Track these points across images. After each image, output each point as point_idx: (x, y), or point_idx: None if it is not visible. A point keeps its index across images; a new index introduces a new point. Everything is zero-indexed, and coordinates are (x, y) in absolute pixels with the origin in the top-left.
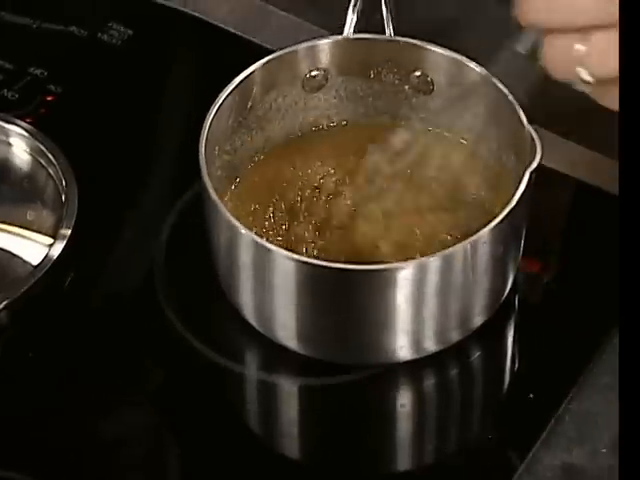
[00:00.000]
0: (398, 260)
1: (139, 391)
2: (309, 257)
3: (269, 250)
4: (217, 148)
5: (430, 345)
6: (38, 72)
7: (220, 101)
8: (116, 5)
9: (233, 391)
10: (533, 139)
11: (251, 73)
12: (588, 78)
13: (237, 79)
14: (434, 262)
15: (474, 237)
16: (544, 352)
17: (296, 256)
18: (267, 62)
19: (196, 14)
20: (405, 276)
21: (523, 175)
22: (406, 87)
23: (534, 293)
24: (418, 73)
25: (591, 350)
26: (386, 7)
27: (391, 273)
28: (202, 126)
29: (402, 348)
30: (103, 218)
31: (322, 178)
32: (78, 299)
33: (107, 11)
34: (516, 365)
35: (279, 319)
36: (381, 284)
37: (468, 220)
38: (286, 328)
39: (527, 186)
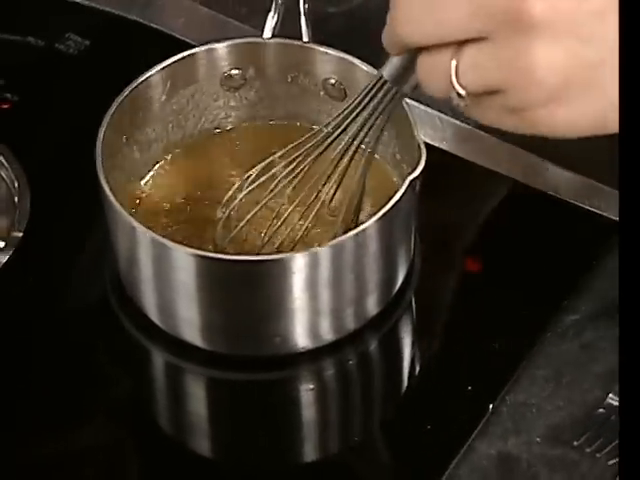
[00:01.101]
0: None
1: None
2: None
3: (167, 246)
4: (125, 138)
5: (327, 334)
6: None
7: (126, 93)
8: (73, 16)
9: (144, 390)
10: (419, 147)
11: (163, 67)
12: (462, 92)
13: (147, 73)
14: (325, 252)
15: (361, 227)
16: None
17: (193, 250)
18: (184, 57)
19: (153, 25)
20: (299, 266)
21: (405, 178)
22: (321, 93)
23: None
24: (332, 80)
25: (528, 342)
26: (304, 14)
27: (285, 263)
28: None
29: (300, 337)
30: (55, 221)
31: (232, 177)
32: (29, 302)
33: (65, 22)
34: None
35: (181, 315)
36: (276, 274)
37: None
38: (189, 324)
39: (406, 191)
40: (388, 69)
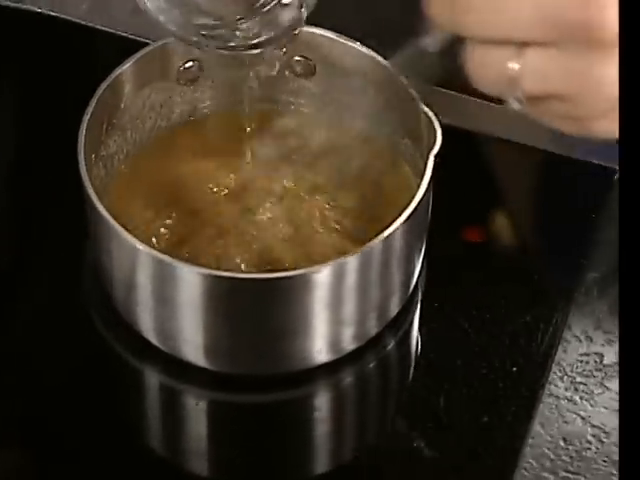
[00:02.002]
0: (297, 258)
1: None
2: (214, 268)
3: (172, 265)
4: (93, 156)
5: (349, 344)
6: None
7: (93, 105)
8: None
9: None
10: (432, 122)
11: (122, 72)
12: (520, 96)
13: (108, 79)
14: (352, 262)
15: (389, 230)
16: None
17: (205, 270)
18: (139, 58)
19: (53, 13)
20: (322, 280)
21: (427, 159)
22: (286, 72)
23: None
24: (298, 57)
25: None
26: None
27: (308, 278)
28: (78, 133)
29: (320, 352)
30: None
31: (207, 172)
32: (9, 328)
33: None
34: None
35: (185, 336)
36: (298, 290)
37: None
38: (194, 344)
39: (432, 170)
40: (432, 43)
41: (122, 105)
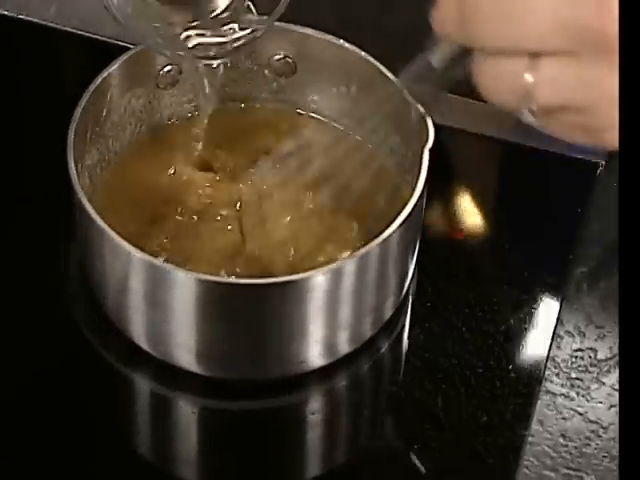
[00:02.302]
0: (290, 263)
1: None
2: (210, 274)
3: (167, 270)
4: (80, 165)
5: (344, 347)
6: None
7: (78, 113)
8: None
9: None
10: (423, 116)
11: (107, 76)
12: (533, 108)
13: (92, 86)
14: (349, 265)
15: (387, 233)
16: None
17: (200, 275)
18: (121, 64)
19: (21, 16)
20: (318, 284)
21: (422, 154)
22: (266, 71)
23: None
24: (279, 56)
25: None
26: None
27: (305, 283)
28: (66, 142)
29: (314, 356)
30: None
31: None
32: None
33: None
34: None
35: (177, 341)
36: (294, 295)
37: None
38: (186, 349)
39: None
40: (438, 57)
41: (104, 112)
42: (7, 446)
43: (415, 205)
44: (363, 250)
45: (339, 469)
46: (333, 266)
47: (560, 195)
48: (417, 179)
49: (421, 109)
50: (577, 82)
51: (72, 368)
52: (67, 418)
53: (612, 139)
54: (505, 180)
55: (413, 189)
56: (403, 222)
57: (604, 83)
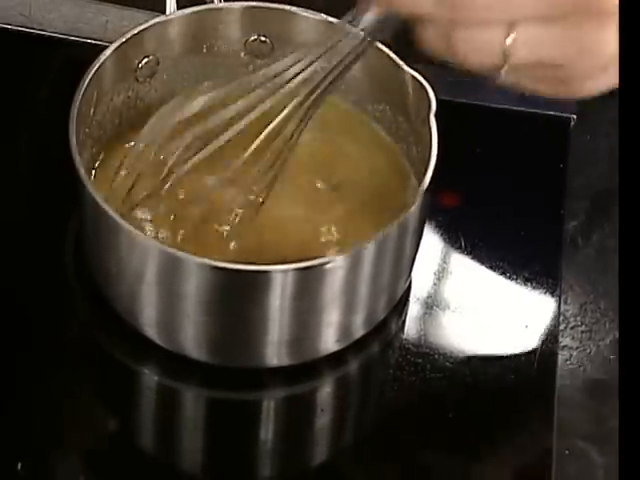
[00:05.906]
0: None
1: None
2: (224, 261)
3: (180, 258)
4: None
5: (358, 331)
6: None
7: (74, 115)
8: None
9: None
10: (421, 84)
11: (93, 75)
12: (506, 68)
13: (81, 86)
14: (369, 249)
15: (407, 212)
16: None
17: (219, 264)
18: (102, 63)
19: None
20: (338, 269)
21: (428, 120)
22: (242, 54)
23: None
24: (254, 37)
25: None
26: None
27: (323, 268)
28: (69, 146)
29: (328, 342)
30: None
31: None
32: None
33: None
34: None
35: (188, 329)
36: (314, 280)
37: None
38: (196, 338)
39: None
40: (368, 23)
41: (91, 112)
42: (11, 443)
43: (432, 175)
44: (383, 231)
45: (352, 456)
46: (353, 250)
47: (539, 153)
48: (430, 143)
49: (418, 76)
50: (556, 41)
51: (78, 359)
52: (74, 409)
53: (584, 89)
54: (483, 144)
55: (429, 152)
56: (423, 194)
57: (584, 40)
